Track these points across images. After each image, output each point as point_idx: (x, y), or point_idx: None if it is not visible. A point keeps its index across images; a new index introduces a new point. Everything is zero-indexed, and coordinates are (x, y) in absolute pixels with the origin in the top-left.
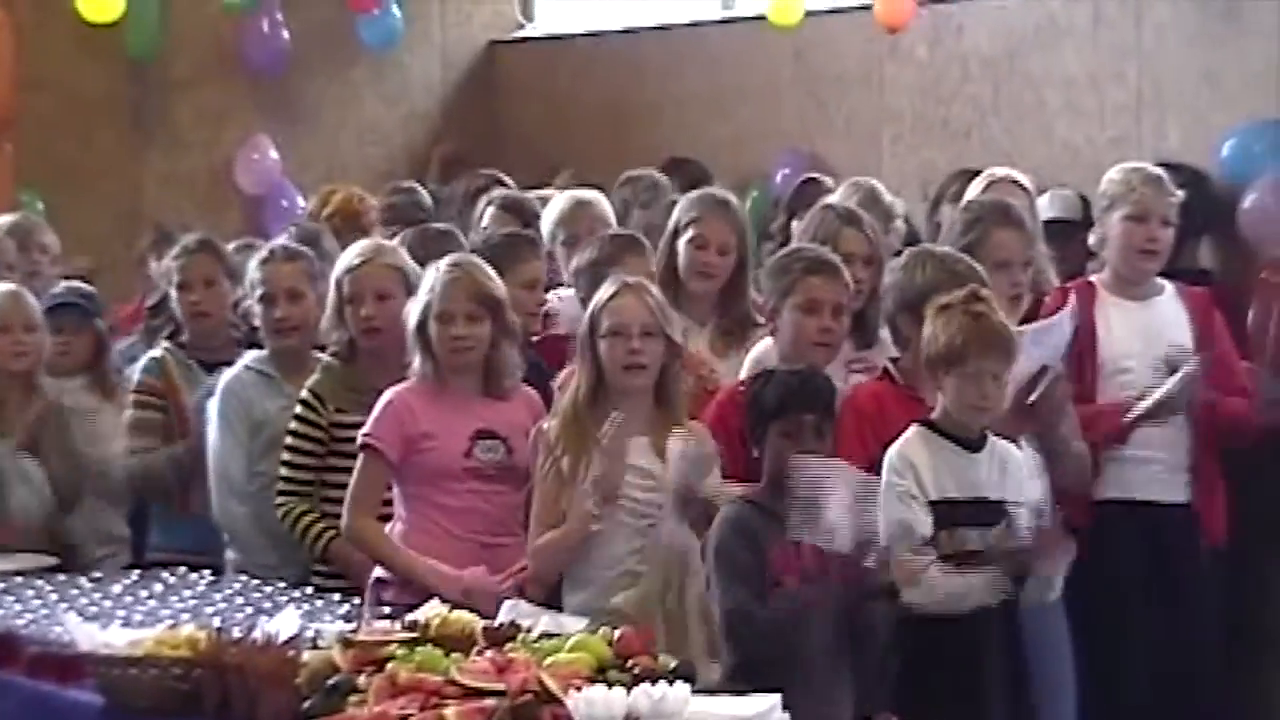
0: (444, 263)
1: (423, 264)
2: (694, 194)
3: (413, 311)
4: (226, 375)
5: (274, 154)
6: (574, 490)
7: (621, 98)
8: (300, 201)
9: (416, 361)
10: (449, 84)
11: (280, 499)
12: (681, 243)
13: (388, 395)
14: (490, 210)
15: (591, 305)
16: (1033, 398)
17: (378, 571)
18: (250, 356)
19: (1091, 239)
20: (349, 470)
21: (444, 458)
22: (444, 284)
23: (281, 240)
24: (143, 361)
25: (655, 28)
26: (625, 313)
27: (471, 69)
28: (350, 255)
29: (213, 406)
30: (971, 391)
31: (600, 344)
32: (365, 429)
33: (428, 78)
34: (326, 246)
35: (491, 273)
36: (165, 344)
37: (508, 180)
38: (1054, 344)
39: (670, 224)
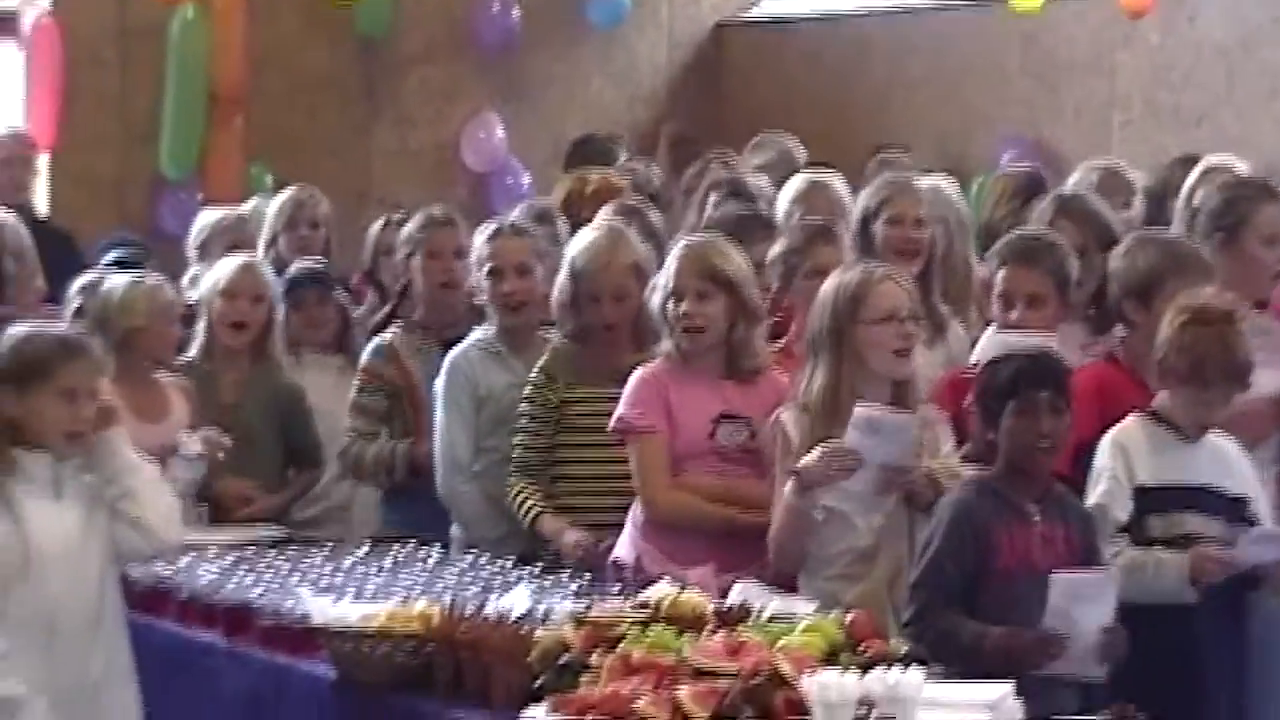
0: (682, 241)
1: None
2: (880, 179)
3: (656, 290)
4: (453, 353)
5: (500, 132)
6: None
7: (848, 81)
8: (525, 180)
9: (663, 341)
10: (675, 65)
11: (510, 479)
12: (878, 225)
13: (639, 373)
14: (713, 196)
15: (836, 294)
16: None
17: (617, 552)
18: (478, 334)
19: None
20: (580, 447)
21: (688, 439)
22: (677, 261)
23: (510, 216)
24: (372, 345)
25: (883, 12)
26: (890, 297)
27: (698, 50)
28: (591, 252)
29: (439, 385)
30: (1202, 410)
31: (858, 330)
32: (623, 409)
33: (654, 58)
34: (559, 227)
35: (729, 251)
36: (395, 328)
37: (730, 160)
38: None
39: (858, 212)
